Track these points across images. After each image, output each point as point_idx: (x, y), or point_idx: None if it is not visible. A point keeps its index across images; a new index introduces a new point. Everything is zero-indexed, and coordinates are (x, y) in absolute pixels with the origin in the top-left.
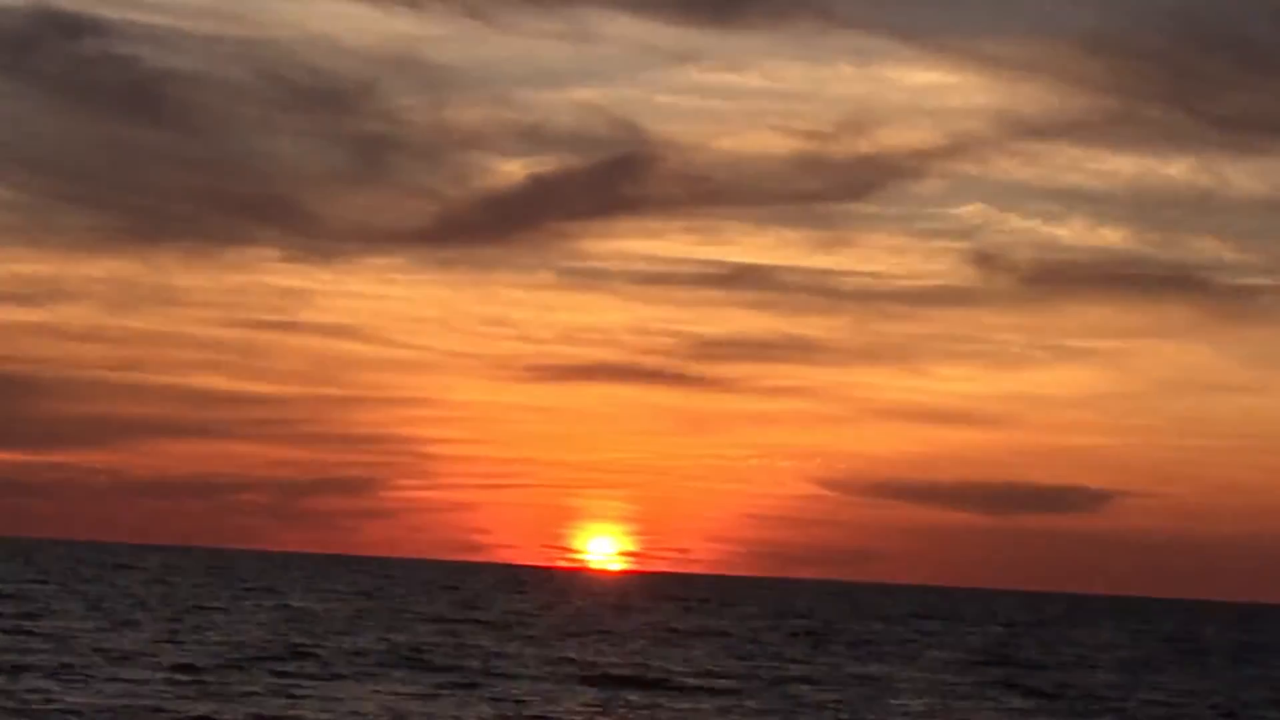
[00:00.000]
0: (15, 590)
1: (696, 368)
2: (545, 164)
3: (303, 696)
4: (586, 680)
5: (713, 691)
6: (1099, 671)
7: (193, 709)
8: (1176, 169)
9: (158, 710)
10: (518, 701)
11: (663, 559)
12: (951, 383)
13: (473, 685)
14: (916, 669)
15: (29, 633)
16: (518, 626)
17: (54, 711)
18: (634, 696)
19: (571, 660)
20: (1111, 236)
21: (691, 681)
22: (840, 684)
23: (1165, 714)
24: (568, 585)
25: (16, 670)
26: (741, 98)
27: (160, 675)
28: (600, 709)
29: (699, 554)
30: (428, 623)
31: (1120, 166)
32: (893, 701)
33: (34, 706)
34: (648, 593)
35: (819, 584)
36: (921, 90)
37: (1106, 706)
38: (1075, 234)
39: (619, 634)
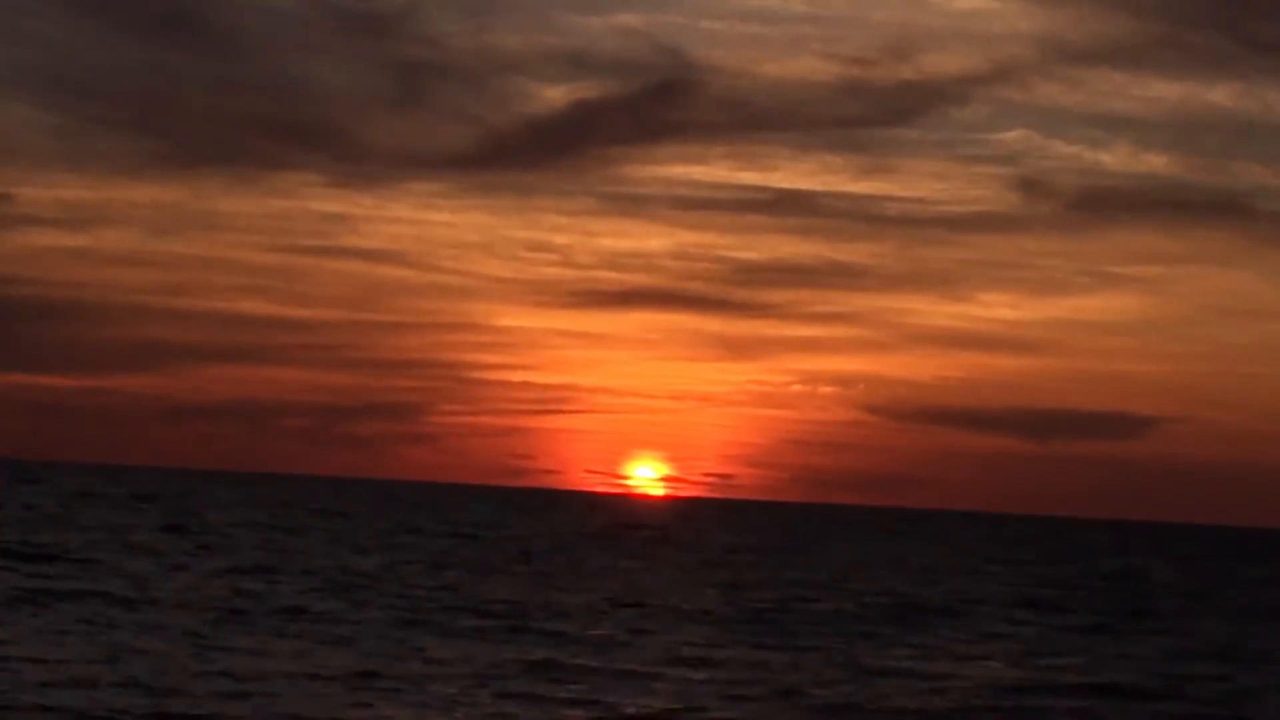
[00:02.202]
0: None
1: (739, 293)
2: (588, 89)
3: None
4: None
5: None
6: None
7: None
8: (1221, 94)
9: None
10: None
11: (705, 484)
12: (995, 309)
13: None
14: None
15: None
16: None
17: None
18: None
19: None
20: (1155, 162)
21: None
22: None
23: None
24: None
25: None
26: (784, 23)
27: None
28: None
29: (742, 480)
30: None
31: (1165, 92)
32: None
33: None
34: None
35: (871, 510)
36: (965, 15)
37: None
38: (1119, 160)
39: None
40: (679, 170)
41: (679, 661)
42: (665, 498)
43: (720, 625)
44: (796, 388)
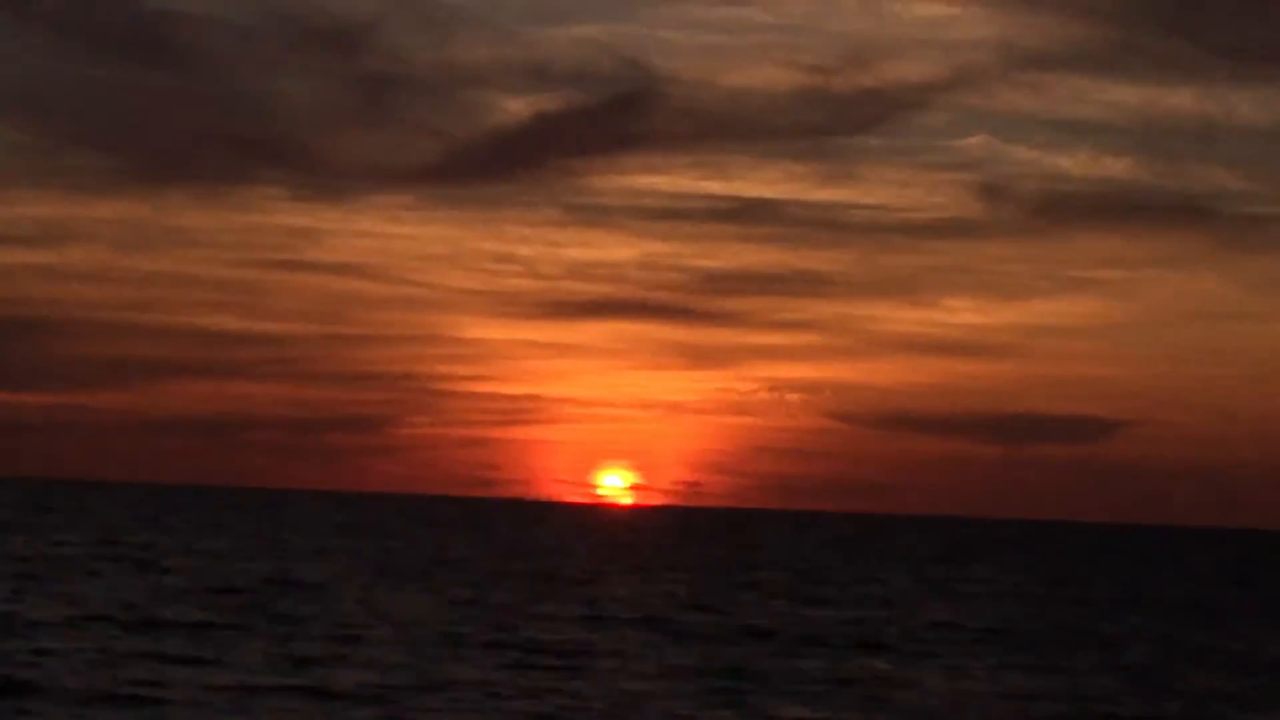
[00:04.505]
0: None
1: (704, 302)
2: (550, 101)
3: None
4: None
5: None
6: None
7: None
8: (1181, 98)
9: None
10: None
11: (673, 493)
12: (959, 314)
13: None
14: None
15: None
16: None
17: None
18: None
19: None
20: (1116, 167)
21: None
22: None
23: None
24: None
25: None
26: (745, 32)
27: None
28: None
29: (710, 487)
30: None
31: (1124, 97)
32: None
33: None
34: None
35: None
36: (924, 22)
37: None
38: (1080, 165)
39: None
40: (642, 180)
41: None
42: (634, 506)
43: None
44: (763, 395)
